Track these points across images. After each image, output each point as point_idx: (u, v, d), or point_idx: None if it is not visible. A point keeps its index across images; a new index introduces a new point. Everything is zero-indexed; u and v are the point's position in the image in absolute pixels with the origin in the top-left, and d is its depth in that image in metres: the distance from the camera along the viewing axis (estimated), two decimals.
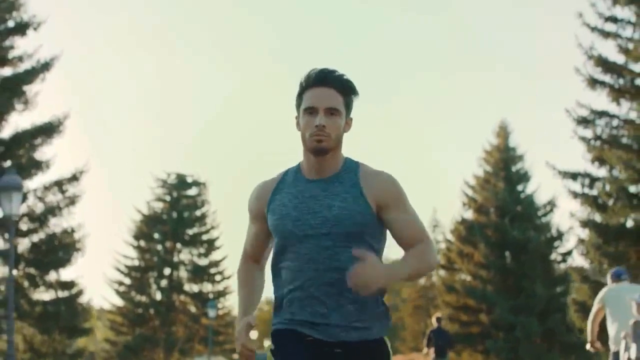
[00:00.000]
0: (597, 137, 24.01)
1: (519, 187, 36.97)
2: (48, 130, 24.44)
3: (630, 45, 23.80)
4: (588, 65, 24.02)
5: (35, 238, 24.61)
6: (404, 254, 3.06)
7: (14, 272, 22.71)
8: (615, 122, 24.05)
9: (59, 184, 24.75)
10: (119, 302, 40.92)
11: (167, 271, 41.46)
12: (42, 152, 24.66)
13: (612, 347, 8.91)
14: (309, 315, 3.04)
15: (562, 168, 24.87)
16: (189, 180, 43.02)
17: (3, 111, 23.65)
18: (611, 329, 8.90)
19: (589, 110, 24.32)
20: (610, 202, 23.50)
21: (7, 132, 24.09)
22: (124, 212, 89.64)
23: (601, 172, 24.44)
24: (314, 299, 3.03)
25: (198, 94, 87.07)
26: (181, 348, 39.10)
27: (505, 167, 37.02)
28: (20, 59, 24.51)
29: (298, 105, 3.08)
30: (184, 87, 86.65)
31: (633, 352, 8.40)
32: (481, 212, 37.11)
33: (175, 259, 41.72)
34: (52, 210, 24.64)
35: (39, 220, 24.47)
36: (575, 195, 24.51)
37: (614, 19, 24.12)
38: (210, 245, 42.40)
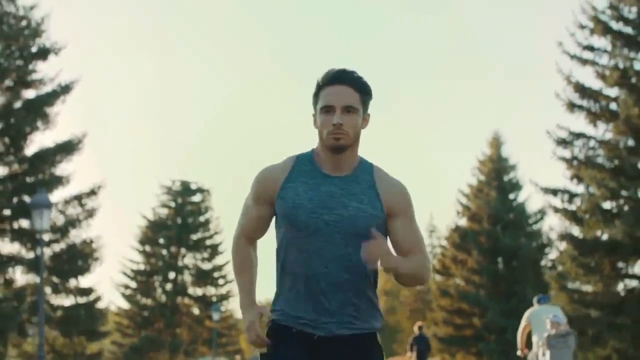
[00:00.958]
0: (574, 158, 25.26)
1: (511, 196, 37.85)
2: (68, 147, 25.85)
3: (607, 72, 25.13)
4: (567, 90, 25.44)
5: (57, 248, 26.05)
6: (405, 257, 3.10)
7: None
8: (592, 143, 25.32)
9: (78, 198, 26.19)
10: (126, 305, 41.41)
11: (171, 275, 41.92)
12: (63, 169, 26.04)
13: (533, 353, 12.03)
14: (310, 309, 3.04)
15: (544, 184, 26.24)
16: (193, 187, 43.33)
17: (27, 132, 25.12)
18: (534, 339, 12.04)
19: (568, 131, 25.67)
20: (587, 217, 24.76)
21: (31, 150, 25.52)
22: (129, 217, 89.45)
23: (580, 188, 25.68)
24: (318, 294, 3.03)
25: (198, 95, 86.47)
26: (185, 350, 39.79)
27: (497, 177, 37.83)
28: (41, 81, 25.81)
29: (315, 104, 3.09)
30: (184, 88, 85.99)
31: (547, 358, 11.49)
32: (474, 220, 37.68)
33: (180, 263, 42.12)
34: (73, 223, 26.11)
35: (61, 231, 25.91)
36: (556, 210, 25.87)
37: (591, 48, 25.54)
38: (214, 250, 42.79)
